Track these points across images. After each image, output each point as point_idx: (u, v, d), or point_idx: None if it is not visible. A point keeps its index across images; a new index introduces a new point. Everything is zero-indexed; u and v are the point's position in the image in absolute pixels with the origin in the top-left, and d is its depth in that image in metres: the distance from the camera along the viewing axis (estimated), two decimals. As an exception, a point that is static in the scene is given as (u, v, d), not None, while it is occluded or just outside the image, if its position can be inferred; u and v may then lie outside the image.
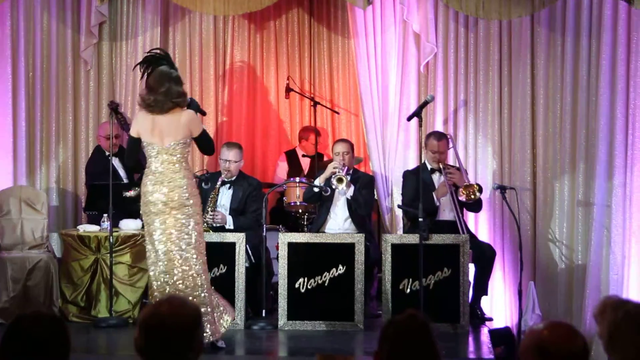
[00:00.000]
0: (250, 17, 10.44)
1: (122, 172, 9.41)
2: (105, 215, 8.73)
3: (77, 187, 9.89)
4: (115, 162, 9.31)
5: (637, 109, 8.62)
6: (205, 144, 7.33)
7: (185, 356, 3.35)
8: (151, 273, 7.08)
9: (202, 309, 6.95)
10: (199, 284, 7.00)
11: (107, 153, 9.19)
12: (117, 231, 8.62)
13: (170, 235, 6.99)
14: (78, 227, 9.05)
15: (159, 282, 7.01)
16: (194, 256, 7.00)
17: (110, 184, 8.49)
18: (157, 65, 7.23)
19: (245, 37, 10.52)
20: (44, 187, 9.78)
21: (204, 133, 7.27)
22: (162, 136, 7.03)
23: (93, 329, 8.27)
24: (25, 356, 3.28)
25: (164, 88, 7.04)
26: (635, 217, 8.65)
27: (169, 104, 7.05)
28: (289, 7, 10.66)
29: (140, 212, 7.26)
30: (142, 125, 7.08)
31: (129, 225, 8.75)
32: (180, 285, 6.95)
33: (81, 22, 9.79)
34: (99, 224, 8.83)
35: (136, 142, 7.17)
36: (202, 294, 7.00)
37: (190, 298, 6.85)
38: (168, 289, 6.95)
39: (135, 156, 7.39)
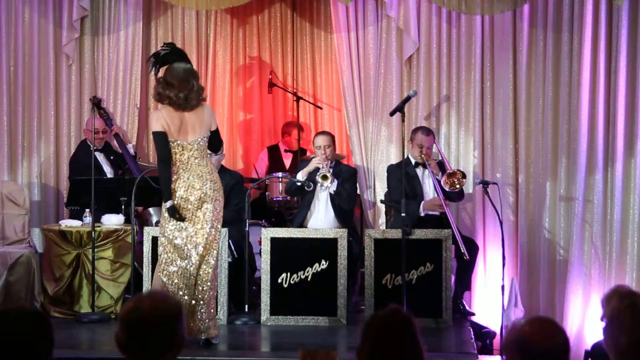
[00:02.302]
0: (232, 12, 10.42)
1: (106, 167, 9.39)
2: (87, 210, 8.71)
3: (59, 182, 9.85)
4: (100, 156, 9.29)
5: (618, 104, 8.67)
6: (217, 139, 7.32)
7: (167, 351, 3.35)
8: (171, 269, 7.06)
9: (205, 305, 7.05)
10: (210, 279, 7.07)
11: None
12: (99, 226, 8.60)
13: (202, 230, 7.03)
14: (60, 222, 9.02)
15: (175, 280, 7.03)
16: (214, 251, 7.09)
17: (93, 179, 8.46)
18: (172, 61, 7.17)
19: (228, 32, 10.50)
20: (26, 182, 9.74)
21: (217, 128, 7.29)
22: (186, 133, 7.04)
23: (75, 324, 8.25)
24: (9, 352, 3.27)
25: (191, 85, 7.03)
26: (617, 212, 8.70)
27: (198, 101, 7.07)
28: (272, 1, 10.64)
29: (165, 208, 7.11)
30: (171, 122, 7.01)
31: (111, 220, 8.73)
32: (200, 281, 7.04)
33: (63, 16, 9.75)
34: (81, 219, 8.81)
35: (165, 136, 7.03)
36: (209, 290, 7.07)
37: (200, 293, 6.99)
38: (184, 282, 7.01)
39: (168, 149, 7.06)
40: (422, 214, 8.66)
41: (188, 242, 7.02)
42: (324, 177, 8.62)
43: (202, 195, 7.02)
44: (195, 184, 7.02)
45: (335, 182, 8.69)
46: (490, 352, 8.30)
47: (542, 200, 9.00)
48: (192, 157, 7.04)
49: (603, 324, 3.64)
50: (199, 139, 7.04)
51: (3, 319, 3.32)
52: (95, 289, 8.45)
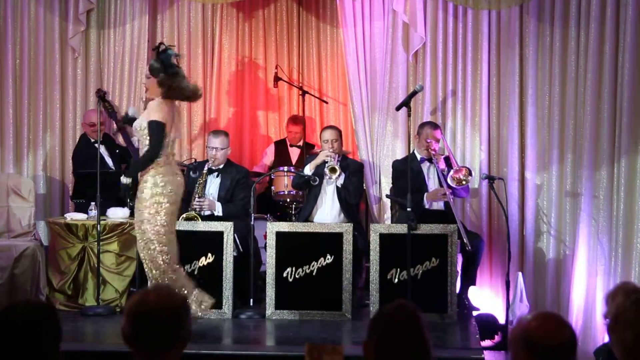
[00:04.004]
0: (238, 6, 10.41)
1: (109, 160, 9.39)
2: (92, 203, 8.70)
3: (64, 174, 9.86)
4: (101, 149, 9.29)
5: (624, 100, 8.65)
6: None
7: (173, 345, 3.35)
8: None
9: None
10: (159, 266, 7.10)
11: (92, 140, 9.20)
12: (104, 219, 8.60)
13: (141, 223, 7.09)
14: (65, 215, 9.03)
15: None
16: (149, 242, 7.07)
17: (98, 172, 8.47)
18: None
19: (234, 26, 10.49)
20: (31, 175, 9.76)
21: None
22: (176, 128, 7.18)
23: (80, 317, 8.25)
24: (17, 344, 3.28)
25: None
26: (623, 207, 8.68)
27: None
28: (278, -5, 10.66)
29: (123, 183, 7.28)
30: (169, 116, 7.04)
31: (116, 214, 8.74)
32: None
33: (69, 9, 9.76)
34: (86, 212, 8.82)
35: (165, 129, 7.04)
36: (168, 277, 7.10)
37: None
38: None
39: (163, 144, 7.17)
40: (427, 206, 8.65)
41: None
42: (332, 170, 8.63)
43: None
44: (175, 181, 7.08)
45: (343, 175, 8.69)
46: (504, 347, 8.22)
47: (548, 195, 8.99)
48: (170, 153, 7.10)
49: (606, 321, 3.63)
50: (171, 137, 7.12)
51: (11, 312, 3.33)
52: (101, 282, 8.46)
